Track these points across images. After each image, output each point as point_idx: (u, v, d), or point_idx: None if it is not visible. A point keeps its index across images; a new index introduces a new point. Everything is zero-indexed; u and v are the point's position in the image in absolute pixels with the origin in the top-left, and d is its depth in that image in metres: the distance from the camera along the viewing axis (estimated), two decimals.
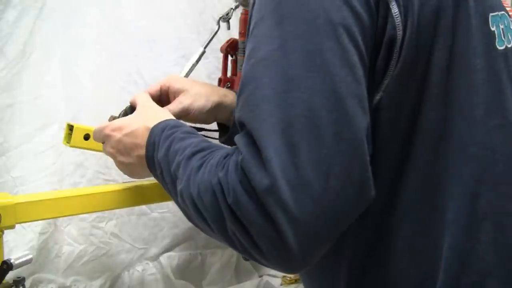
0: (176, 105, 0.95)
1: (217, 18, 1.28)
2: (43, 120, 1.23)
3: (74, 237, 1.27)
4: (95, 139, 0.94)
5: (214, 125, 1.07)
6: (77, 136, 1.02)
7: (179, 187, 0.71)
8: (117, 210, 1.31)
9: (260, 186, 0.59)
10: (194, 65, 1.18)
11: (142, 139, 0.83)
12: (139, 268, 1.39)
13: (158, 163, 0.78)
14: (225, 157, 0.67)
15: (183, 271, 1.46)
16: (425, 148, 0.70)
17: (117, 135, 0.87)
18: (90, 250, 1.30)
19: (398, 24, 0.65)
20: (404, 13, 0.65)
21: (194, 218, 0.71)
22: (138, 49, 1.37)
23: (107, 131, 0.90)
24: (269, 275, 1.53)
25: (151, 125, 0.82)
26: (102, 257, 1.32)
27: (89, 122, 1.07)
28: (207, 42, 1.23)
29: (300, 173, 0.59)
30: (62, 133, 1.05)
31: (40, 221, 1.18)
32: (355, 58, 0.63)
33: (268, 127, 0.60)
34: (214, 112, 0.99)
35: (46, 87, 1.24)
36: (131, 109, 0.94)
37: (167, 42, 1.42)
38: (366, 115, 0.63)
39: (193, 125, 0.98)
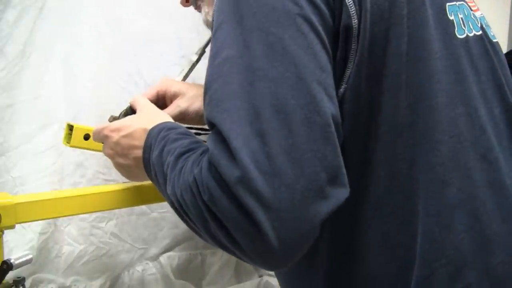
0: (174, 108, 0.96)
1: None
2: (43, 120, 1.23)
3: (74, 237, 1.27)
4: (95, 139, 0.94)
5: None
6: (77, 136, 1.02)
7: (169, 190, 0.71)
8: (117, 210, 1.31)
9: (231, 178, 0.58)
10: (194, 65, 1.18)
11: (140, 141, 0.83)
12: (139, 268, 1.39)
13: (152, 164, 0.78)
14: (200, 155, 0.67)
15: (183, 271, 1.45)
16: (391, 138, 0.70)
17: (115, 136, 0.87)
18: (90, 250, 1.30)
19: (353, 13, 0.66)
20: (358, 2, 0.66)
21: (183, 219, 0.71)
22: (138, 49, 1.37)
23: (106, 132, 0.90)
24: (269, 275, 1.53)
25: (149, 127, 0.82)
26: (102, 257, 1.32)
27: (89, 122, 1.07)
28: (207, 42, 1.23)
29: (271, 161, 0.58)
30: (62, 133, 1.05)
31: (40, 221, 1.18)
32: (317, 47, 0.63)
33: (235, 119, 0.60)
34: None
35: (46, 87, 1.24)
36: (131, 110, 0.94)
37: (167, 42, 1.42)
38: (333, 103, 0.63)
39: (193, 126, 0.98)
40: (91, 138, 1.02)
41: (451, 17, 0.76)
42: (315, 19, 0.64)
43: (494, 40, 0.85)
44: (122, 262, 1.36)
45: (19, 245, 1.17)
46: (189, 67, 1.17)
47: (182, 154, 0.71)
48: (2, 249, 0.94)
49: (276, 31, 0.62)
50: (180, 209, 0.69)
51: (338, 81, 0.67)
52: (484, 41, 0.81)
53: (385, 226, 0.71)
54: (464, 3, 0.81)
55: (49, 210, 0.98)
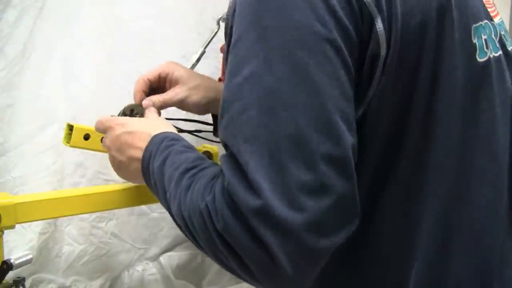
0: (172, 96, 0.95)
1: (217, 18, 1.28)
2: (43, 120, 1.23)
3: (74, 237, 1.27)
4: (97, 128, 0.93)
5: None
6: (77, 136, 1.02)
7: (172, 206, 0.71)
8: (117, 210, 1.31)
9: (248, 209, 0.58)
10: (194, 65, 1.18)
11: (141, 143, 0.83)
12: (139, 268, 1.39)
13: (152, 172, 0.78)
14: (212, 179, 0.65)
15: (183, 271, 1.45)
16: (407, 161, 0.69)
17: (119, 130, 0.87)
18: (90, 250, 1.30)
19: (382, 41, 0.63)
20: (388, 28, 0.63)
21: (185, 235, 0.71)
22: (138, 49, 1.37)
23: (111, 123, 0.90)
24: None
25: (153, 133, 0.82)
26: (102, 257, 1.32)
27: (89, 122, 1.07)
28: (207, 42, 1.23)
29: (290, 194, 0.57)
30: (62, 133, 1.05)
31: (40, 221, 1.18)
32: (342, 74, 0.61)
33: (254, 149, 0.59)
34: (208, 106, 0.98)
35: (46, 87, 1.24)
36: (130, 110, 0.94)
37: (167, 42, 1.42)
38: (353, 133, 0.62)
39: (189, 117, 0.98)
40: (91, 138, 1.02)
41: (475, 40, 0.74)
42: (342, 44, 0.60)
43: (510, 48, 0.84)
44: (122, 262, 1.36)
45: (19, 245, 1.17)
46: (189, 67, 1.17)
47: (188, 170, 0.71)
48: (2, 249, 0.94)
49: (301, 54, 0.59)
50: (185, 228, 0.69)
51: (358, 103, 0.65)
52: (502, 62, 0.79)
53: (386, 246, 0.71)
54: (488, 22, 0.78)
55: (49, 210, 0.98)
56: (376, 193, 0.69)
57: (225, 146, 0.63)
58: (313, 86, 0.59)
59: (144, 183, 0.85)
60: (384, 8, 0.62)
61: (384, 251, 0.70)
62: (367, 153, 0.66)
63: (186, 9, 1.46)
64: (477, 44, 0.74)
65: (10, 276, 0.97)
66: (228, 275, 1.51)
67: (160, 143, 0.80)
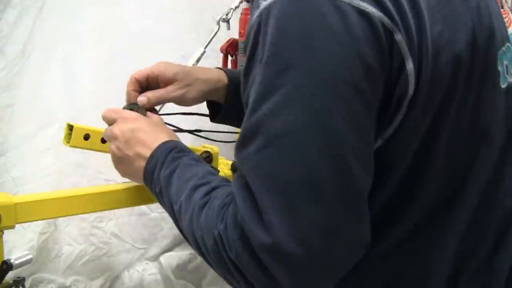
0: (167, 93, 0.94)
1: (217, 18, 1.28)
2: (43, 120, 1.23)
3: (74, 237, 1.27)
4: (105, 116, 0.91)
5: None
6: (77, 136, 1.01)
7: (183, 220, 0.72)
8: (117, 210, 1.31)
9: (260, 246, 0.59)
10: (194, 65, 1.18)
11: (150, 143, 0.83)
12: (139, 268, 1.39)
13: (158, 180, 0.78)
14: (223, 205, 0.66)
15: (183, 271, 1.46)
16: (424, 199, 0.67)
17: (135, 124, 0.86)
18: (90, 250, 1.30)
19: (411, 82, 0.61)
20: (419, 67, 0.60)
21: (196, 250, 0.72)
22: (138, 49, 1.37)
23: (126, 114, 0.89)
24: None
25: (161, 139, 0.83)
26: (102, 257, 1.32)
27: (89, 122, 1.07)
28: (207, 42, 1.23)
29: (302, 235, 0.58)
30: (62, 133, 1.05)
31: (40, 221, 1.18)
32: (365, 120, 0.60)
33: (268, 187, 0.59)
34: (205, 98, 0.98)
35: (46, 87, 1.24)
36: (129, 110, 0.93)
37: (167, 42, 1.42)
38: (370, 176, 0.62)
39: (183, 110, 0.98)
40: (91, 138, 1.02)
41: (499, 68, 0.72)
42: (368, 88, 0.58)
43: None
44: (122, 262, 1.36)
45: (19, 245, 1.17)
46: (191, 64, 1.17)
47: (197, 186, 0.72)
48: (2, 249, 0.94)
49: (324, 99, 0.57)
50: (194, 245, 0.71)
51: (376, 135, 0.62)
52: None
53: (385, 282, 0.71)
54: (510, 45, 0.76)
55: (49, 210, 0.98)
56: (388, 223, 0.68)
57: (238, 169, 0.64)
58: (332, 132, 0.58)
59: (141, 183, 0.85)
60: (416, 47, 0.60)
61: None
62: (381, 182, 0.65)
63: (186, 9, 1.46)
64: (500, 71, 0.73)
65: (10, 276, 0.97)
66: None
67: (167, 152, 0.80)
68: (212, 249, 0.65)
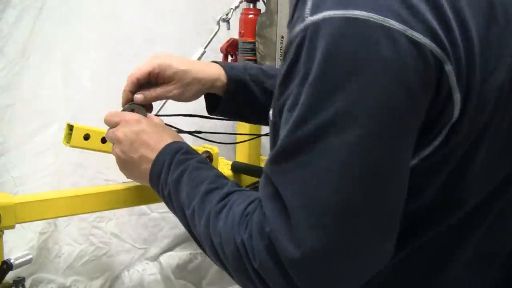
0: (165, 93, 0.93)
1: (217, 18, 1.28)
2: (43, 120, 1.23)
3: (74, 237, 1.27)
4: (107, 119, 0.91)
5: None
6: (77, 136, 1.02)
7: (198, 225, 0.72)
8: (117, 210, 1.31)
9: (289, 260, 0.60)
10: None
11: (155, 145, 0.83)
12: (139, 268, 1.39)
13: (166, 183, 0.79)
14: (245, 213, 0.66)
15: (183, 271, 1.46)
16: (454, 212, 0.68)
17: (138, 126, 0.87)
18: (90, 250, 1.30)
19: (457, 108, 0.61)
20: (465, 97, 0.61)
21: (211, 256, 0.72)
22: (138, 49, 1.37)
23: (128, 117, 0.89)
24: None
25: (165, 140, 0.83)
26: (102, 257, 1.32)
27: (89, 122, 1.07)
28: (207, 42, 1.23)
29: (330, 253, 0.59)
30: (62, 133, 1.05)
31: (40, 221, 1.18)
32: (405, 147, 0.60)
33: (305, 203, 0.59)
34: (202, 94, 0.97)
35: (46, 87, 1.24)
36: (130, 110, 0.93)
37: (167, 42, 1.42)
38: (404, 198, 0.62)
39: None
40: (91, 138, 1.02)
41: None
42: (412, 117, 0.59)
43: None
44: (122, 262, 1.36)
45: (19, 245, 1.17)
46: None
47: (211, 190, 0.72)
48: (2, 249, 0.94)
49: (367, 123, 0.57)
50: (210, 251, 0.70)
51: (415, 150, 0.62)
52: None
53: None
54: None
55: (49, 210, 0.98)
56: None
57: (269, 180, 0.63)
58: (373, 159, 0.59)
59: (147, 185, 0.85)
60: (464, 77, 0.60)
61: None
62: (415, 196, 0.65)
63: (186, 9, 1.46)
64: None
65: (10, 276, 0.97)
66: (228, 275, 1.51)
67: (173, 154, 0.80)
68: (232, 256, 0.66)
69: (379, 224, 0.61)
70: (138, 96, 0.93)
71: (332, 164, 0.58)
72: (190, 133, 1.05)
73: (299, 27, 0.60)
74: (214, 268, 1.50)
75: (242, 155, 1.43)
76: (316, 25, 0.59)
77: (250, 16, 1.29)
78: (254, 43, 1.28)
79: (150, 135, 0.85)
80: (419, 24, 0.57)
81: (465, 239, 0.69)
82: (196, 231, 0.74)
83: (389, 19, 0.56)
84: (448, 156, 0.64)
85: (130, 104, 0.93)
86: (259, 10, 1.30)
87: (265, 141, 1.45)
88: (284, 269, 0.61)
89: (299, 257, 0.59)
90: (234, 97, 0.96)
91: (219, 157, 1.27)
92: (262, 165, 1.42)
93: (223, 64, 0.98)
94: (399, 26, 0.56)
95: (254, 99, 0.97)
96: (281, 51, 1.22)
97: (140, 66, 0.93)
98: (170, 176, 0.78)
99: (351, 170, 0.58)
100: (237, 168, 1.30)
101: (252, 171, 1.29)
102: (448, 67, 0.59)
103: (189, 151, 0.82)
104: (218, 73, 0.96)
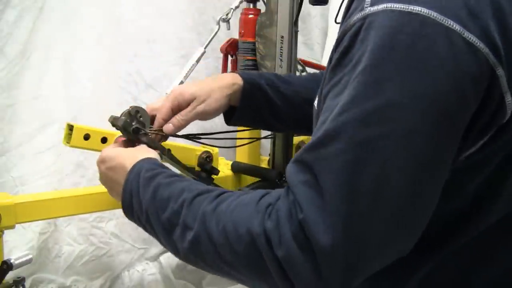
0: (190, 111, 0.93)
1: (217, 18, 1.28)
2: (43, 120, 1.23)
3: (74, 237, 1.27)
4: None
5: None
6: (77, 136, 1.02)
7: (187, 235, 0.69)
8: (117, 210, 1.30)
9: (320, 247, 0.59)
10: (194, 65, 1.18)
11: (121, 178, 0.81)
12: (139, 268, 1.39)
13: (140, 210, 0.77)
14: (268, 205, 0.64)
15: (183, 271, 1.46)
16: (493, 211, 0.68)
17: (101, 167, 0.86)
18: (90, 250, 1.30)
19: (508, 112, 0.61)
20: None
21: (211, 261, 0.69)
22: (138, 49, 1.37)
23: (97, 161, 0.88)
24: None
25: (128, 165, 0.81)
26: (102, 257, 1.32)
27: (89, 122, 1.07)
28: (207, 42, 1.24)
29: (359, 243, 0.59)
30: (62, 133, 1.05)
31: (40, 221, 1.18)
32: (448, 147, 0.60)
33: (344, 192, 0.59)
34: (226, 106, 0.97)
35: (46, 87, 1.24)
36: (135, 111, 0.93)
37: (167, 42, 1.42)
38: (438, 196, 0.62)
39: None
40: (91, 138, 1.02)
41: None
42: (460, 118, 0.59)
43: None
44: (122, 262, 1.36)
45: (19, 245, 1.17)
46: (189, 67, 1.17)
47: (195, 196, 0.70)
48: (2, 249, 0.94)
49: (413, 117, 0.58)
50: (213, 252, 0.67)
51: (459, 150, 0.62)
52: None
53: None
54: None
55: (49, 210, 0.98)
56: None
57: (306, 166, 0.62)
58: (414, 154, 0.58)
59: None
60: None
61: None
62: (453, 195, 0.66)
63: (186, 9, 1.46)
64: None
65: (10, 276, 0.97)
66: None
67: (137, 179, 0.78)
68: (244, 250, 0.63)
69: (412, 219, 0.61)
70: (167, 128, 0.93)
71: (368, 154, 0.58)
72: (191, 138, 1.05)
73: (356, 16, 0.60)
74: None
75: (242, 155, 1.43)
76: (376, 15, 0.59)
77: (250, 16, 1.29)
78: (254, 43, 1.28)
79: (116, 170, 0.84)
80: (476, 27, 0.58)
81: (505, 243, 0.69)
82: (185, 246, 0.70)
83: (450, 19, 0.57)
84: (491, 155, 0.64)
85: (135, 106, 0.93)
86: (259, 10, 1.30)
87: (265, 141, 1.45)
88: (312, 257, 0.59)
89: (331, 243, 0.58)
90: (250, 101, 0.97)
91: (219, 157, 1.27)
92: (262, 165, 1.42)
93: (237, 72, 1.00)
94: (457, 27, 0.57)
95: (270, 103, 0.98)
96: (281, 51, 1.22)
97: (159, 107, 0.94)
98: (143, 202, 0.76)
99: (392, 162, 0.58)
100: (237, 168, 1.30)
101: (252, 171, 1.29)
102: (500, 72, 0.59)
103: (151, 168, 0.79)
104: (232, 77, 0.97)
